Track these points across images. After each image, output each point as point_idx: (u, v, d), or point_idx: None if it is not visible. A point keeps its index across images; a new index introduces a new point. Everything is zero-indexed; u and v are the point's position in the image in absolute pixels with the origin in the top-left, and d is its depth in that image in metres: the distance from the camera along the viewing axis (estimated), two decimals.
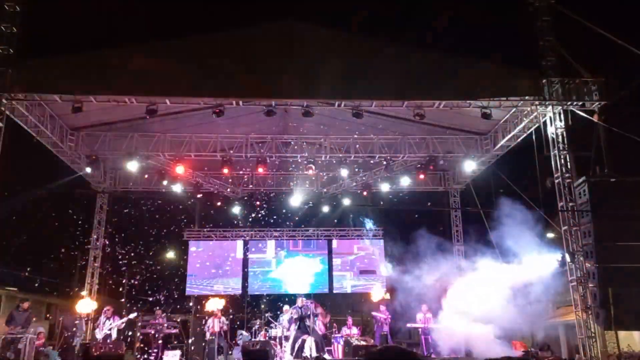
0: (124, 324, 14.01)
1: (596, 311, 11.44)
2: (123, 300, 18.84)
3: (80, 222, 17.58)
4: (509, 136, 14.17)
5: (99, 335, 13.51)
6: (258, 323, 15.22)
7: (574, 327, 11.95)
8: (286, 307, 15.00)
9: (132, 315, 14.33)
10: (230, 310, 17.76)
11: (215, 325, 14.31)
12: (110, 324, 13.58)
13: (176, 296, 19.86)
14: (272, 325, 14.78)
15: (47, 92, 11.80)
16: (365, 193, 17.60)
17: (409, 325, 15.06)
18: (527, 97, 12.44)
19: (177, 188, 16.58)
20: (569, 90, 12.22)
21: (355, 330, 15.22)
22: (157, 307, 15.76)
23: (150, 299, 20.64)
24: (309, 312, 13.45)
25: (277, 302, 18.17)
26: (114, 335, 13.59)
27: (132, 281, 20.29)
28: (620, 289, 11.39)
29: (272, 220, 19.82)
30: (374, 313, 15.53)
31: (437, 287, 14.75)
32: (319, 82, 11.79)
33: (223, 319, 14.68)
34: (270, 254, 19.58)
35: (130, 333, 16.71)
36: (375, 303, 17.05)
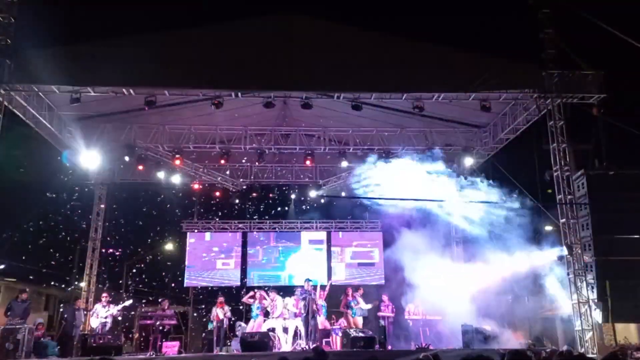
0: (119, 312, 14.03)
1: (594, 304, 11.51)
2: (122, 291, 18.87)
3: (79, 213, 17.60)
4: (508, 129, 14.18)
5: (95, 323, 13.50)
6: None
7: (571, 320, 11.99)
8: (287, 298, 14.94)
9: (128, 303, 14.34)
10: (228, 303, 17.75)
11: (219, 314, 14.39)
12: (106, 312, 13.59)
13: (175, 287, 19.91)
14: (270, 316, 14.77)
15: (46, 83, 11.74)
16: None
17: (406, 317, 15.08)
18: (526, 90, 12.44)
19: (176, 179, 16.57)
20: (568, 83, 12.22)
21: None
22: (163, 299, 15.66)
23: (148, 289, 20.70)
24: (312, 297, 13.37)
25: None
26: (109, 323, 13.59)
27: (131, 272, 20.31)
28: (617, 281, 11.49)
29: (268, 214, 19.87)
30: (380, 314, 15.17)
31: (434, 279, 14.78)
32: (318, 73, 11.76)
33: (226, 307, 14.75)
34: (268, 246, 19.58)
35: (128, 323, 16.77)
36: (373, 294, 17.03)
